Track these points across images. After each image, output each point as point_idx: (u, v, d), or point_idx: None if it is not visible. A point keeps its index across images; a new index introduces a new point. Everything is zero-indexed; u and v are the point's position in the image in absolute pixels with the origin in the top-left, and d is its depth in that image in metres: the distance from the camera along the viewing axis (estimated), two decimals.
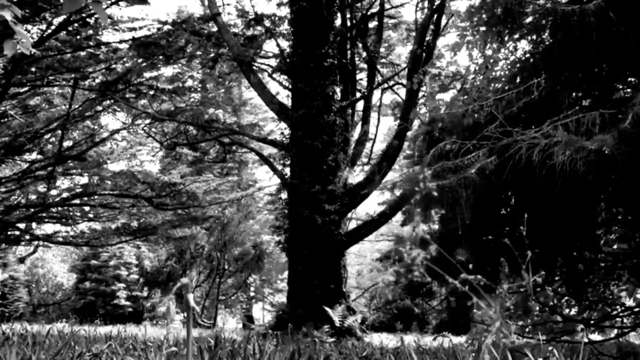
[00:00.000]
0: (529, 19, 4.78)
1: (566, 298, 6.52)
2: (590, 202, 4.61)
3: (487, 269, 4.73)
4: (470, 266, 3.49)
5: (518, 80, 5.15)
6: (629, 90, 4.75)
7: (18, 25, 3.46)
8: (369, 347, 7.67)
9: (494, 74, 6.41)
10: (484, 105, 4.79)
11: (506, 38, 5.17)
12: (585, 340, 6.42)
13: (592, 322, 6.19)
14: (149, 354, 3.66)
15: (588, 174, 3.79)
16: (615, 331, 6.61)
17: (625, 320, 6.57)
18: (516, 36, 5.13)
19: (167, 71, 42.79)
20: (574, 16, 4.28)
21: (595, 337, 7.37)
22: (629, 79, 4.74)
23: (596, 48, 4.48)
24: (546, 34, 4.97)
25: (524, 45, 5.61)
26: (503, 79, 6.45)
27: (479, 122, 4.84)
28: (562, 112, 4.29)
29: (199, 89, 22.17)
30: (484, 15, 5.10)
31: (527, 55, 5.29)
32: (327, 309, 13.86)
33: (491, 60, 5.63)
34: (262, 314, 40.01)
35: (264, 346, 4.60)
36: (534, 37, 5.03)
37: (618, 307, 5.80)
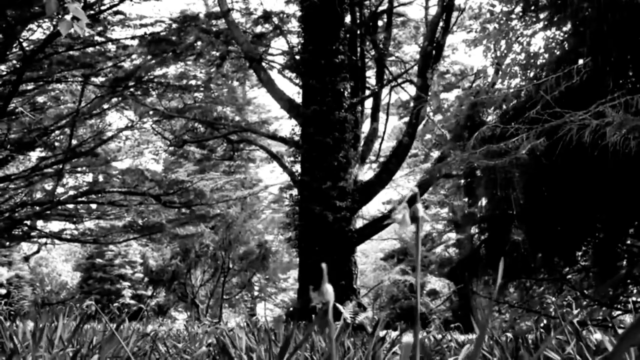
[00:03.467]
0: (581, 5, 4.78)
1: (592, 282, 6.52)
2: None
3: (545, 247, 4.72)
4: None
5: (552, 67, 5.14)
6: None
7: (75, 2, 3.42)
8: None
9: (532, 60, 6.40)
10: (523, 90, 4.78)
11: (547, 23, 5.16)
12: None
13: (615, 305, 6.20)
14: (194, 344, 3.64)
15: None
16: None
17: None
18: (559, 19, 5.15)
19: (172, 70, 42.69)
20: None
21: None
22: None
23: None
24: (580, 19, 4.97)
25: (538, 35, 5.62)
26: (520, 71, 6.44)
27: (518, 107, 4.84)
28: (607, 95, 4.28)
29: (202, 88, 22.17)
30: (520, 5, 5.10)
31: (562, 40, 5.29)
32: (338, 305, 13.85)
33: (528, 45, 5.63)
34: (265, 313, 39.97)
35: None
36: (583, 17, 5.02)
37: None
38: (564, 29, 5.09)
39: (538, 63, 6.10)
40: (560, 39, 5.20)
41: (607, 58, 4.50)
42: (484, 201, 5.24)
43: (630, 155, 3.71)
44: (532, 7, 4.94)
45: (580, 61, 4.52)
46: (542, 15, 4.99)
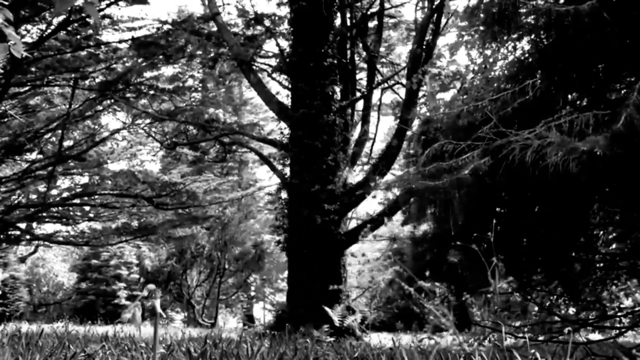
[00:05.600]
0: (527, 20, 4.77)
1: (564, 298, 6.53)
2: (584, 202, 4.60)
3: (481, 269, 4.70)
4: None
5: (509, 83, 5.12)
6: (623, 91, 4.72)
7: (9, 27, 3.41)
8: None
9: (492, 74, 6.38)
10: (479, 105, 4.77)
11: (500, 39, 5.15)
12: (583, 340, 6.43)
13: (588, 322, 6.20)
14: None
15: (581, 174, 3.79)
16: (614, 331, 6.62)
17: (623, 320, 6.57)
18: (513, 36, 5.10)
19: (168, 71, 42.75)
20: (568, 17, 4.28)
21: (597, 336, 7.39)
22: (624, 79, 4.72)
23: (591, 48, 4.47)
24: (536, 35, 4.94)
25: (519, 46, 5.59)
26: (497, 80, 6.43)
27: (473, 123, 4.83)
28: (556, 113, 4.27)
29: (199, 89, 22.19)
30: (481, 15, 5.08)
31: (523, 55, 5.27)
32: (326, 308, 13.86)
33: (490, 60, 5.61)
34: (263, 314, 40.01)
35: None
36: (531, 37, 5.01)
37: (615, 307, 5.80)
38: (519, 44, 5.09)
39: (520, 68, 6.06)
40: (517, 53, 5.19)
41: (552, 78, 4.49)
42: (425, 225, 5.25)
43: (571, 175, 3.70)
44: (483, 22, 4.92)
45: (534, 77, 4.53)
46: (496, 29, 4.98)
